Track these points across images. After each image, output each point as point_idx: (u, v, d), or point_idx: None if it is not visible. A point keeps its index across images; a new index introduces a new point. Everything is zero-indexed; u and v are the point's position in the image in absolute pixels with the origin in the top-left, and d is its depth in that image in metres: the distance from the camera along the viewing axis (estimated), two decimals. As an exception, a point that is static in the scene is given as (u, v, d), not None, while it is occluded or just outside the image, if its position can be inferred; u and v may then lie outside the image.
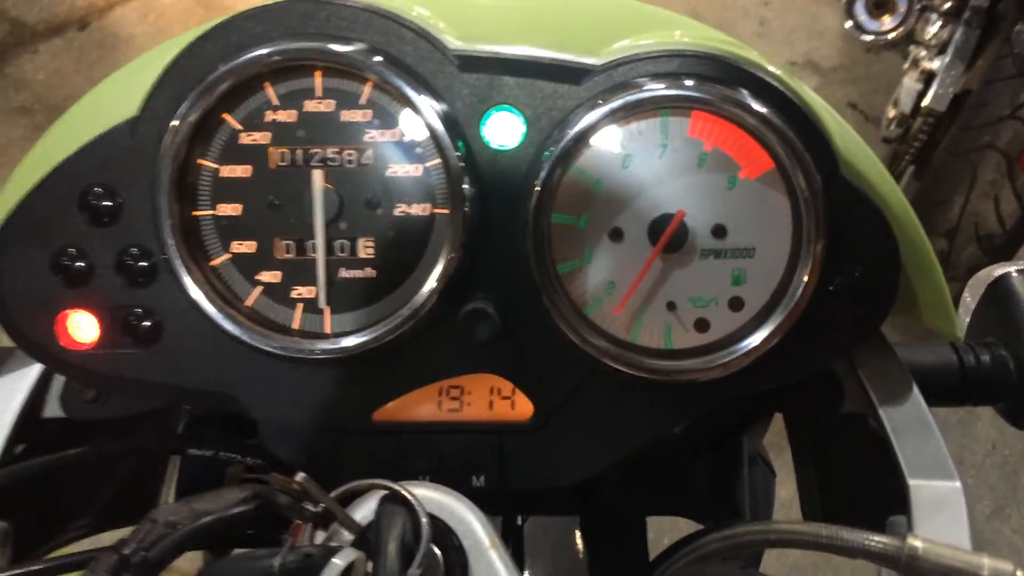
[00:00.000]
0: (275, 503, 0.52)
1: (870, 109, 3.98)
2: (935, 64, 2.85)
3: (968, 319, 0.80)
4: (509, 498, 0.69)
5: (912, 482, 0.63)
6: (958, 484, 0.63)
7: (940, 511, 0.60)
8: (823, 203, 0.60)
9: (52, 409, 0.73)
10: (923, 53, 2.98)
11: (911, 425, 0.66)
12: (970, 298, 0.80)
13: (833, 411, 0.70)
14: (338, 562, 0.47)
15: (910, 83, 3.00)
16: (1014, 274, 0.77)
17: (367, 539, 0.51)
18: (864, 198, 0.61)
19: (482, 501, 0.57)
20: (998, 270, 0.78)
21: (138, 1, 3.56)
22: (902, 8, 2.94)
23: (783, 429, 0.86)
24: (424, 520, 0.51)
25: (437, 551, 0.53)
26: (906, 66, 3.13)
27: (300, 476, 0.50)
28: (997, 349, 0.74)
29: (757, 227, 0.62)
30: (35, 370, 0.72)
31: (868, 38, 3.02)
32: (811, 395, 0.70)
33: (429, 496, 0.54)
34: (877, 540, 0.52)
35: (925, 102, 2.81)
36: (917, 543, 0.51)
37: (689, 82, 0.60)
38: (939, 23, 2.87)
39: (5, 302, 0.64)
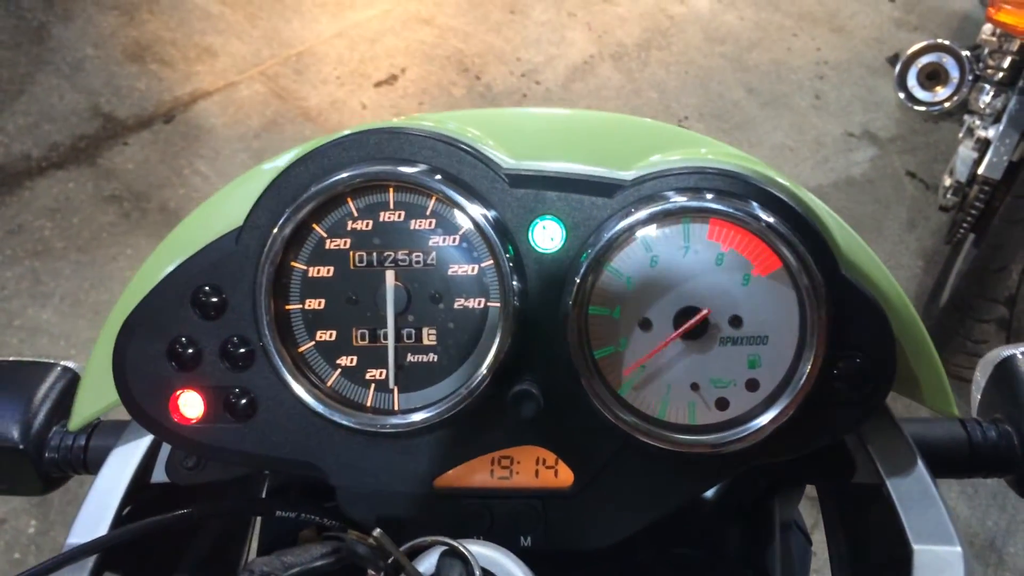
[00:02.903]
0: (355, 555, 0.62)
1: (929, 178, 4.01)
2: (990, 133, 2.88)
3: (979, 396, 0.87)
4: (557, 565, 0.76)
5: (916, 547, 0.70)
6: (958, 549, 0.69)
7: (938, 574, 0.66)
8: (825, 298, 0.68)
9: (158, 475, 0.84)
10: (977, 122, 3.02)
11: (915, 495, 0.73)
12: (980, 377, 0.87)
13: (847, 481, 0.77)
14: None
15: (965, 151, 3.03)
16: (1019, 356, 0.83)
17: None
18: (863, 293, 0.70)
19: (535, 567, 0.65)
20: (1006, 351, 0.85)
21: (219, 95, 3.83)
22: (955, 78, 2.99)
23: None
24: (477, 572, 0.60)
25: None
26: (961, 135, 3.17)
27: (377, 532, 0.59)
28: (1003, 425, 0.81)
29: (770, 317, 0.71)
30: (146, 441, 0.83)
31: (921, 108, 3.06)
32: (827, 467, 0.78)
33: (482, 552, 0.63)
34: None
35: (980, 170, 2.84)
36: None
37: (707, 195, 0.70)
38: (992, 92, 2.92)
39: (128, 384, 0.76)
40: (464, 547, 0.61)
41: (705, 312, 0.71)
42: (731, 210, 0.69)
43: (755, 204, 0.69)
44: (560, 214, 0.72)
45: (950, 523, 0.71)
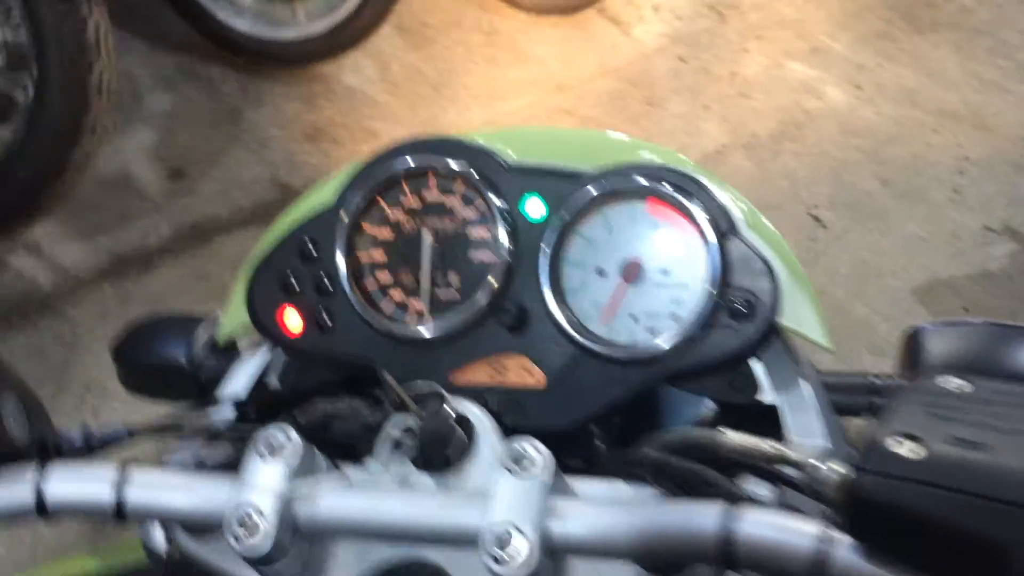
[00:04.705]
0: (376, 398, 0.92)
1: (1074, 275, 3.94)
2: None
3: (896, 365, 1.08)
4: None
5: (794, 441, 0.93)
6: (829, 445, 0.92)
7: None
8: (722, 253, 0.96)
9: (272, 383, 1.17)
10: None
11: (798, 404, 0.98)
12: (898, 349, 1.08)
13: (752, 399, 1.01)
14: (402, 417, 0.87)
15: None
16: (926, 328, 1.05)
17: None
18: (755, 249, 0.96)
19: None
20: (917, 326, 1.06)
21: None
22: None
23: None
24: (450, 410, 0.88)
25: (462, 433, 0.89)
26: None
27: (385, 374, 0.89)
28: (899, 380, 1.03)
29: (689, 269, 0.98)
30: (262, 355, 1.17)
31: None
32: (735, 386, 1.01)
33: (461, 403, 0.91)
34: (700, 433, 0.83)
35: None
36: (724, 431, 0.82)
37: (643, 181, 1.00)
38: None
39: (254, 307, 1.10)
40: (444, 392, 0.90)
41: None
42: (656, 191, 0.99)
43: (677, 187, 0.99)
44: (543, 192, 1.03)
45: (822, 424, 0.95)
